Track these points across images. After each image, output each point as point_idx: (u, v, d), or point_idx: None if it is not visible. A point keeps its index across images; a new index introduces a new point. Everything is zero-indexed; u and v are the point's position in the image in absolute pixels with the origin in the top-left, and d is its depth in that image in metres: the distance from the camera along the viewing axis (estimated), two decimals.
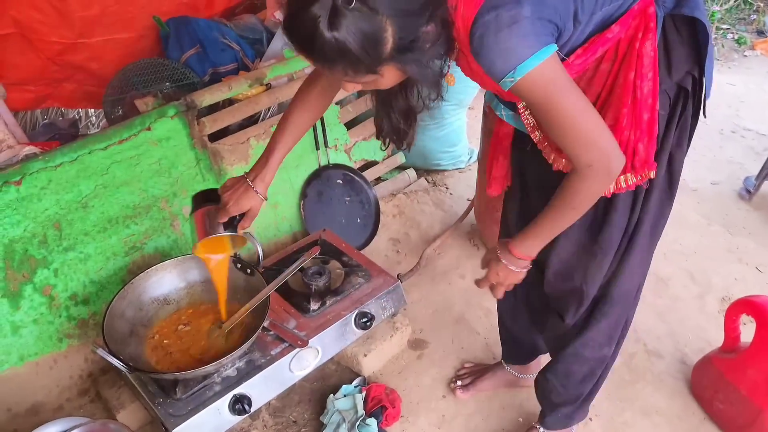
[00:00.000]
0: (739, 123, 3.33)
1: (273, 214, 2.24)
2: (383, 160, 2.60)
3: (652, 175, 1.20)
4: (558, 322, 1.49)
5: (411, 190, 2.69)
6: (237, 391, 1.59)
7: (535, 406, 1.81)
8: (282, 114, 1.44)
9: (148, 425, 1.76)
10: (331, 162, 2.36)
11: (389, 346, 1.95)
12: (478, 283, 1.37)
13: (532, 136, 1.28)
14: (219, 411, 1.57)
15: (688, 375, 1.89)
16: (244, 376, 1.62)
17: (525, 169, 1.47)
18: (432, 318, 2.13)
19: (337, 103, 2.42)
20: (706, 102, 1.23)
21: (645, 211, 1.28)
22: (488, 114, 2.08)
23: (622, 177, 1.19)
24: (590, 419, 1.77)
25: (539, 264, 1.47)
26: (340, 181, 2.38)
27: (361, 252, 2.07)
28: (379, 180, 2.62)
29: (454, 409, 1.83)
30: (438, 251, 2.40)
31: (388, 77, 1.02)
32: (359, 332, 1.83)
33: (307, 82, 1.37)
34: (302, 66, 2.21)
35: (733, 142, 3.17)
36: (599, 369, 1.54)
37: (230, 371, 1.63)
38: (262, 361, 1.66)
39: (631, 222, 1.30)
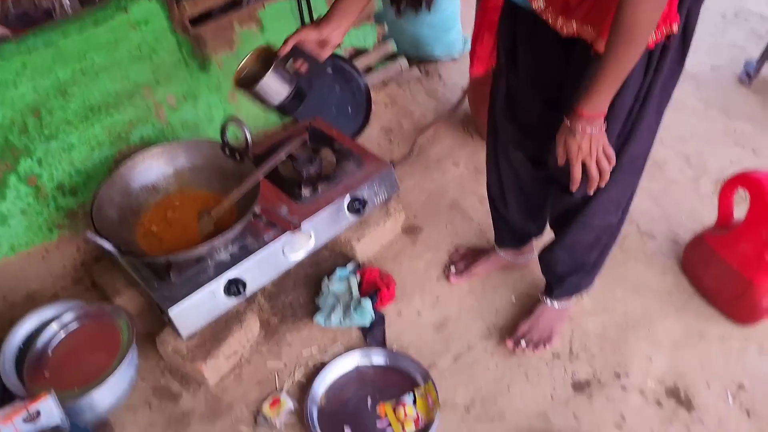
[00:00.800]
0: (743, 5, 3.21)
1: (260, 116, 2.18)
2: (374, 47, 2.51)
3: (675, 28, 1.12)
4: (563, 197, 1.45)
5: (403, 80, 2.61)
6: (231, 274, 1.60)
7: (528, 287, 1.84)
8: None
9: (145, 312, 1.78)
10: None
11: (383, 231, 1.95)
12: (570, 169, 1.23)
13: (533, 4, 1.20)
14: (213, 293, 1.58)
15: (679, 254, 1.90)
16: (237, 260, 1.62)
17: (516, 46, 1.38)
18: (425, 204, 2.12)
19: None
20: None
21: (658, 71, 1.20)
22: None
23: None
24: (581, 297, 1.80)
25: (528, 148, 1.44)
26: (330, 70, 2.30)
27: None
28: (370, 69, 2.54)
29: (448, 290, 1.85)
30: (431, 140, 2.36)
31: None
32: (352, 217, 1.82)
33: None
34: None
35: (735, 26, 3.06)
36: (605, 236, 1.54)
37: (224, 256, 1.63)
38: (255, 246, 1.65)
39: (644, 84, 1.21)
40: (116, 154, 1.88)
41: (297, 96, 1.39)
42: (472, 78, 2.19)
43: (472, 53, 1.94)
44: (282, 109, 1.40)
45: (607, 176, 1.23)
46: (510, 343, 1.67)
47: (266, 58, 1.35)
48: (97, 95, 1.79)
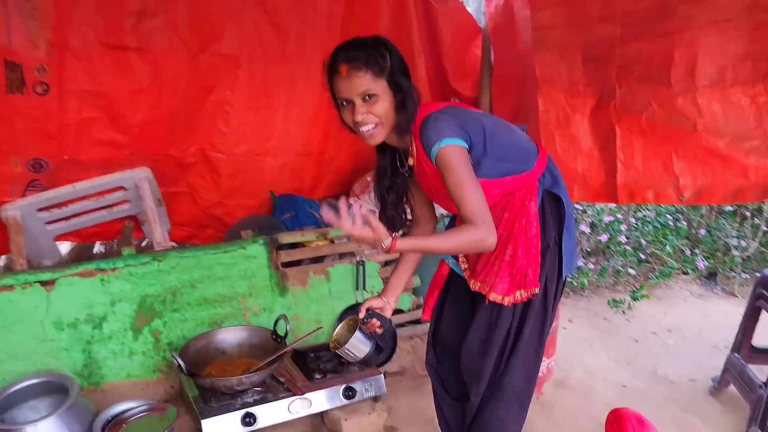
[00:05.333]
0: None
1: (315, 326, 3.14)
2: (408, 310, 3.45)
3: (537, 291, 1.84)
4: (468, 404, 2.05)
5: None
6: (248, 409, 2.40)
7: None
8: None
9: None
10: None
11: (367, 420, 2.63)
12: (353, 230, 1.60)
13: (464, 274, 2.04)
14: (233, 419, 2.37)
15: None
16: (255, 404, 2.43)
17: (448, 297, 2.17)
18: (409, 416, 2.79)
19: (385, 265, 3.37)
20: (564, 266, 1.92)
21: (525, 321, 1.90)
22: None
23: (517, 292, 1.83)
24: None
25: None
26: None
27: None
28: (402, 325, 3.45)
29: None
30: None
31: (384, 96, 1.70)
32: (344, 400, 2.58)
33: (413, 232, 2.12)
34: None
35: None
36: None
37: (248, 399, 2.45)
38: (271, 398, 2.47)
39: (512, 328, 1.90)
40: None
41: (377, 349, 1.96)
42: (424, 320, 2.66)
43: (425, 304, 2.44)
44: (366, 361, 1.98)
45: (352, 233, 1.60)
46: None
47: (351, 326, 1.96)
48: (211, 293, 2.87)
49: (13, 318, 2.48)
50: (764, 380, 2.71)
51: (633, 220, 4.60)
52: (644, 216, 4.66)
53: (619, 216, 4.59)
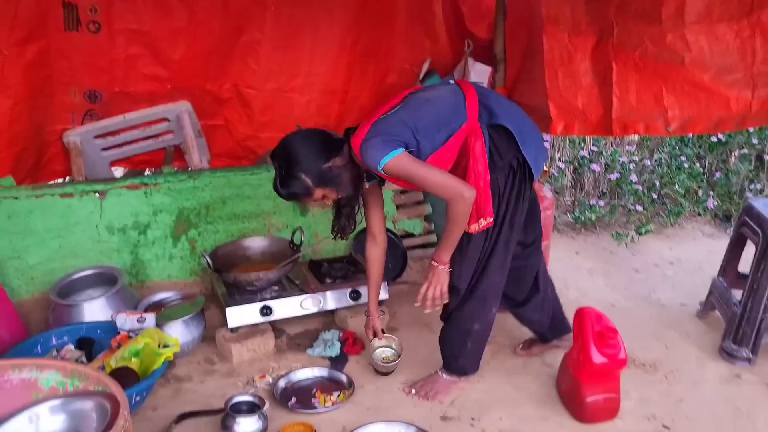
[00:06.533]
0: None
1: (333, 245, 3.52)
2: (419, 235, 3.78)
3: (490, 220, 2.21)
4: (445, 307, 2.49)
5: None
6: (266, 303, 2.80)
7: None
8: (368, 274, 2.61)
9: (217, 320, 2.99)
10: None
11: None
12: (423, 289, 2.34)
13: None
14: (253, 309, 2.78)
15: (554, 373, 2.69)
16: (272, 298, 2.84)
17: None
18: (409, 320, 3.14)
19: (400, 193, 3.70)
20: (534, 173, 2.26)
21: (498, 239, 2.30)
22: None
23: (476, 223, 2.19)
24: (478, 381, 2.65)
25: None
26: None
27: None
28: (414, 248, 3.78)
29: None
30: None
31: (325, 195, 2.22)
32: (350, 302, 2.96)
33: (368, 253, 2.55)
34: None
35: None
36: (469, 338, 2.47)
37: (267, 294, 2.86)
38: (286, 294, 2.88)
39: (486, 247, 2.31)
40: None
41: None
42: None
43: None
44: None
45: (438, 302, 2.32)
46: (407, 389, 2.60)
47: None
48: (240, 209, 3.28)
49: (72, 221, 2.95)
50: (739, 299, 2.94)
51: (648, 162, 4.76)
52: (660, 158, 4.82)
53: (635, 158, 4.76)
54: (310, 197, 2.22)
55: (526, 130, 2.29)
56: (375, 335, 2.66)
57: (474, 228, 2.22)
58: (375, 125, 2.16)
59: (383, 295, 3.00)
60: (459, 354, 2.54)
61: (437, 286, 2.32)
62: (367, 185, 2.34)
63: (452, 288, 2.38)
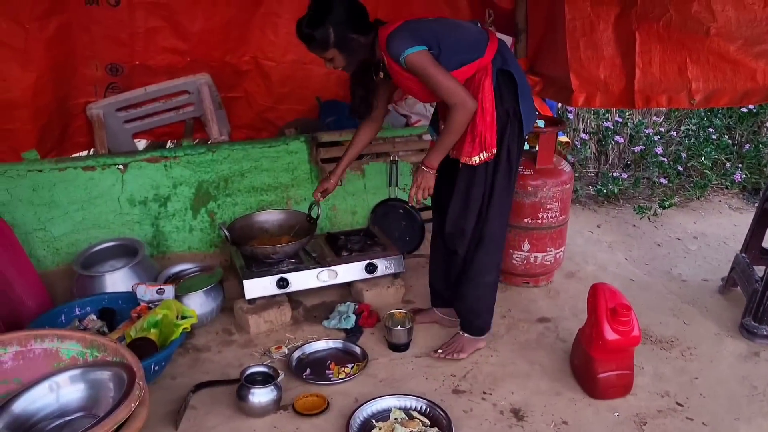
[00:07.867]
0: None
1: (351, 217, 3.54)
2: None
3: (494, 152, 2.29)
4: (456, 259, 2.54)
5: None
6: (282, 275, 2.85)
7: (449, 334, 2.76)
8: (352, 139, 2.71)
9: (236, 291, 3.05)
10: (398, 197, 3.62)
11: (386, 293, 3.04)
12: (411, 191, 2.41)
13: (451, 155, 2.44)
14: (270, 282, 2.82)
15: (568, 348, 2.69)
16: (289, 270, 2.87)
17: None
18: (424, 292, 3.16)
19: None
20: (524, 126, 2.35)
21: (496, 179, 2.38)
22: None
23: (481, 153, 2.28)
24: (491, 355, 2.67)
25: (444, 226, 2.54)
26: (402, 211, 3.61)
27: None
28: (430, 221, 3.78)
29: None
30: None
31: (334, 58, 2.27)
32: (366, 274, 2.99)
33: (362, 125, 2.66)
34: (391, 134, 3.57)
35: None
36: (485, 291, 2.55)
37: (284, 267, 2.90)
38: (303, 267, 2.91)
39: (487, 184, 2.38)
40: None
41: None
42: None
43: None
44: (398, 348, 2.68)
45: (421, 200, 2.39)
46: (433, 353, 2.64)
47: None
48: (258, 182, 3.31)
49: (95, 193, 3.02)
50: (761, 276, 2.89)
51: (675, 134, 4.66)
52: (687, 130, 4.71)
53: (661, 129, 4.66)
54: (322, 50, 2.26)
55: (526, 88, 2.41)
56: (322, 195, 2.79)
57: (476, 159, 2.32)
58: (407, 23, 2.26)
59: (399, 268, 3.03)
60: (479, 312, 2.62)
61: (425, 189, 2.39)
62: (381, 75, 2.44)
63: (460, 232, 2.48)
